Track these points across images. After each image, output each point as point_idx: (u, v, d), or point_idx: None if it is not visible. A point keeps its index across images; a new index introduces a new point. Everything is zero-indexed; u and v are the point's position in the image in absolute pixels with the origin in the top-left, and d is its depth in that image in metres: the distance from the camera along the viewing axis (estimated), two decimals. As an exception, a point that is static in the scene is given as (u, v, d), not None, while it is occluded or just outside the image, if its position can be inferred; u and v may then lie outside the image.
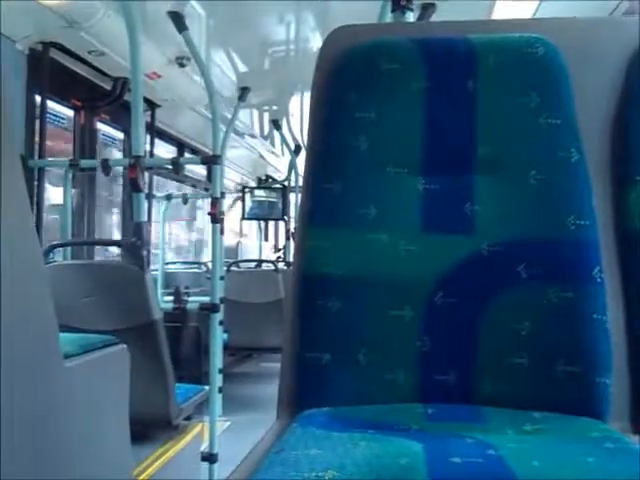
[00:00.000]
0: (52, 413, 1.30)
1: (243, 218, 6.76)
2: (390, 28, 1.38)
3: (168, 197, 4.79)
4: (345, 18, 1.18)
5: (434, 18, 2.81)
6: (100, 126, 3.94)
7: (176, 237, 7.27)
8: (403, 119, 1.04)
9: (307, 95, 1.25)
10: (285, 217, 6.67)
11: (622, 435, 0.85)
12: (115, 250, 4.40)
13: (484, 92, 1.02)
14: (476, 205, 1.00)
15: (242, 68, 4.16)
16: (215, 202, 3.05)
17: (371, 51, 1.07)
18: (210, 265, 3.50)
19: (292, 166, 6.28)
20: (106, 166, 2.83)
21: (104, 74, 3.56)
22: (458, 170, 1.02)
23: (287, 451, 0.77)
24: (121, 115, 3.83)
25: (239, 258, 6.18)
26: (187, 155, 5.37)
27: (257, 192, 6.83)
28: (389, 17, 1.54)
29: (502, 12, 2.85)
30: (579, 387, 0.95)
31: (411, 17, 1.48)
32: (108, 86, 3.66)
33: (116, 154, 4.41)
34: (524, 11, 2.76)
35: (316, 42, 3.67)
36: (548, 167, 0.99)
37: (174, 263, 5.89)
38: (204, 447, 2.89)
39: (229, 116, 4.50)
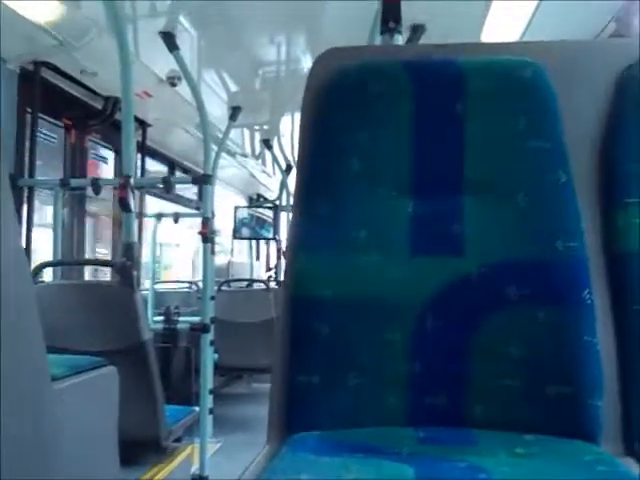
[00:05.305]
0: (39, 435, 1.28)
1: (234, 237, 6.74)
2: (379, 50, 1.38)
3: (159, 216, 4.77)
4: (335, 40, 1.18)
5: (423, 40, 2.84)
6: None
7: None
8: (392, 141, 1.04)
9: (298, 115, 1.27)
10: (276, 236, 6.67)
11: (614, 458, 0.84)
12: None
13: (472, 114, 1.03)
14: (465, 227, 1.00)
15: (233, 88, 4.18)
16: (206, 222, 3.04)
17: (360, 73, 1.07)
18: (201, 284, 3.48)
19: (283, 185, 6.29)
20: (96, 185, 2.82)
21: (95, 93, 3.56)
22: (447, 192, 1.02)
23: (277, 476, 0.76)
24: (112, 134, 3.83)
25: (230, 277, 6.15)
26: (178, 174, 5.37)
27: (248, 211, 6.83)
28: (378, 39, 1.55)
29: (491, 35, 2.88)
30: (570, 409, 0.94)
31: (400, 39, 1.49)
32: (99, 105, 3.66)
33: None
34: (512, 33, 2.79)
35: (307, 63, 3.69)
36: (536, 189, 0.99)
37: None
38: (194, 469, 2.86)
39: (220, 136, 4.51)
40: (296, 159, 1.13)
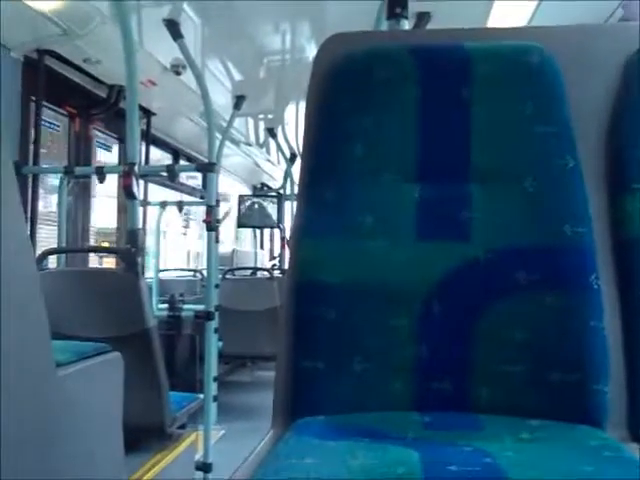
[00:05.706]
0: (44, 422, 1.29)
1: (238, 226, 6.75)
2: (385, 36, 1.37)
3: (163, 204, 4.77)
4: (340, 27, 1.17)
5: (430, 26, 2.82)
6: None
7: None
8: (398, 126, 1.04)
9: (303, 104, 1.26)
10: (280, 225, 6.66)
11: (620, 443, 0.84)
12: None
13: (479, 99, 1.02)
14: (472, 212, 1.00)
15: (237, 77, 4.16)
16: (210, 210, 3.04)
17: (366, 58, 1.07)
18: (205, 273, 3.48)
19: (287, 174, 6.29)
20: (101, 173, 2.82)
21: (99, 81, 3.56)
22: (454, 177, 1.02)
23: (281, 460, 0.76)
24: (116, 123, 3.83)
25: (234, 266, 6.16)
26: (182, 163, 5.36)
27: (252, 200, 6.83)
28: (384, 25, 1.53)
29: (498, 20, 2.86)
30: (576, 395, 0.94)
31: (406, 25, 1.48)
32: (103, 94, 3.65)
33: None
34: (520, 19, 2.77)
35: (312, 51, 3.67)
36: (543, 174, 0.99)
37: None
38: (198, 456, 2.87)
39: (225, 124, 4.50)
40: (300, 148, 1.13)
